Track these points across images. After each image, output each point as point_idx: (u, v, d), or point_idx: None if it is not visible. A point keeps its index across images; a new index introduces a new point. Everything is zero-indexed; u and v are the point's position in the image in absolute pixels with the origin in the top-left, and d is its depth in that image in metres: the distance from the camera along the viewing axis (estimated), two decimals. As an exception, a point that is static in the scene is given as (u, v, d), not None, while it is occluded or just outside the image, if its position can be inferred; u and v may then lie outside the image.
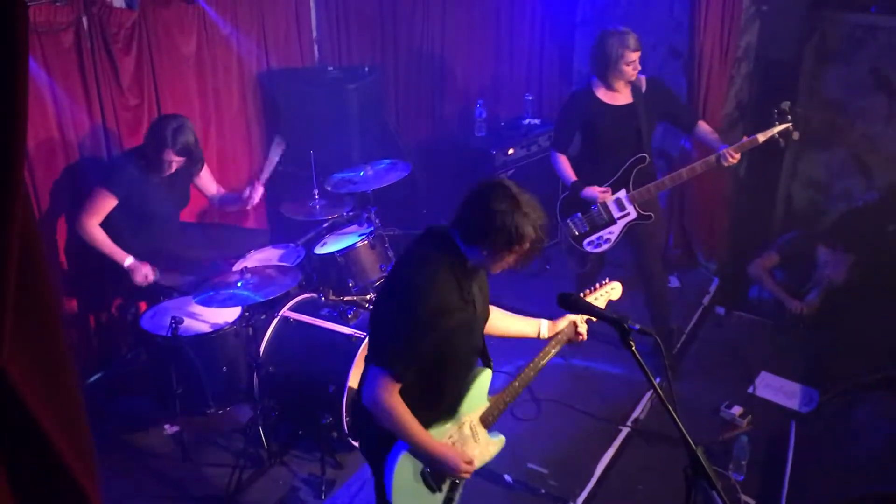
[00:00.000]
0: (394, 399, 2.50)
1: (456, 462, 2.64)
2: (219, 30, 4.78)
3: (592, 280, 4.97)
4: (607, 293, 3.14)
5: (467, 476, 2.72)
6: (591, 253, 4.71)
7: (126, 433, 4.30)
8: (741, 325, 5.35)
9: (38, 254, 1.21)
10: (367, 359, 2.63)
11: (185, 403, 4.03)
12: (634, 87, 4.46)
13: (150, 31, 4.39)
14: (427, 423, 2.62)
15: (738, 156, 4.27)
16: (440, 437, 2.70)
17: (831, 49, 5.44)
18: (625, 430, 4.39)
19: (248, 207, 4.56)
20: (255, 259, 4.38)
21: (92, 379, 4.60)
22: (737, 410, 4.41)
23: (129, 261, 4.12)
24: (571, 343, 3.04)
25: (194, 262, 4.39)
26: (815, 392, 4.57)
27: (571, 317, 3.00)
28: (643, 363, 2.25)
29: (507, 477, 4.01)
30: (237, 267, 4.16)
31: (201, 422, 4.29)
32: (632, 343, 2.28)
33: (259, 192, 4.46)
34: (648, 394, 4.59)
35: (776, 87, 4.84)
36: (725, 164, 4.29)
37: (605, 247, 4.63)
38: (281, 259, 4.45)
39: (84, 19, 4.10)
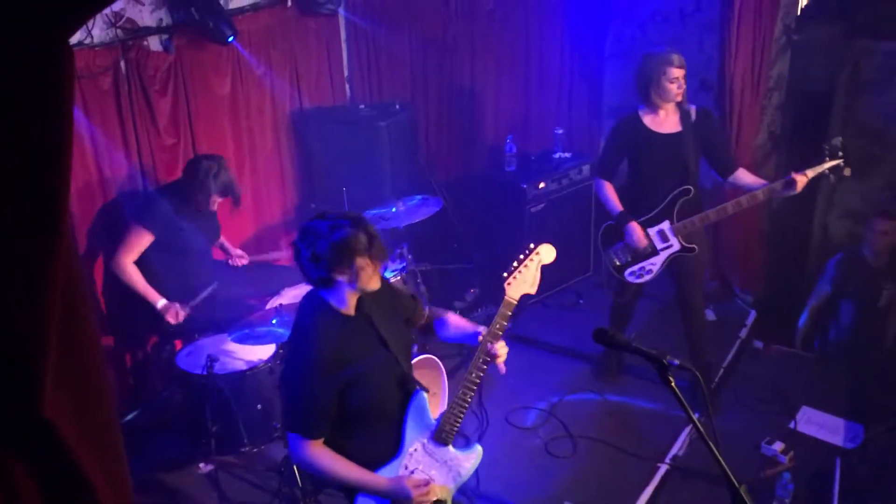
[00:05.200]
0: (314, 453, 2.65)
1: (403, 489, 2.72)
2: (252, 71, 4.86)
3: (629, 311, 4.94)
4: (538, 258, 2.85)
5: (428, 499, 2.77)
6: (632, 284, 4.65)
7: (161, 472, 4.30)
8: (780, 358, 5.24)
9: (82, 299, 1.22)
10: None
11: (220, 442, 4.02)
12: (684, 116, 4.33)
13: (186, 73, 4.48)
14: (376, 463, 2.74)
15: (806, 178, 4.09)
16: (393, 471, 2.77)
17: (866, 78, 5.38)
18: (663, 468, 4.31)
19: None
20: (289, 296, 4.39)
21: (127, 417, 4.62)
22: (778, 447, 4.30)
23: (161, 303, 4.16)
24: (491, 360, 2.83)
25: (229, 300, 4.42)
26: (860, 428, 4.45)
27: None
28: (682, 398, 2.20)
29: (543, 516, 3.95)
30: (271, 304, 4.18)
31: (236, 460, 4.29)
32: (671, 379, 2.24)
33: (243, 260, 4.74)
34: (687, 430, 4.50)
35: (809, 118, 4.79)
36: (798, 188, 4.09)
37: (647, 277, 4.54)
38: (314, 296, 4.45)
39: (122, 63, 4.20)
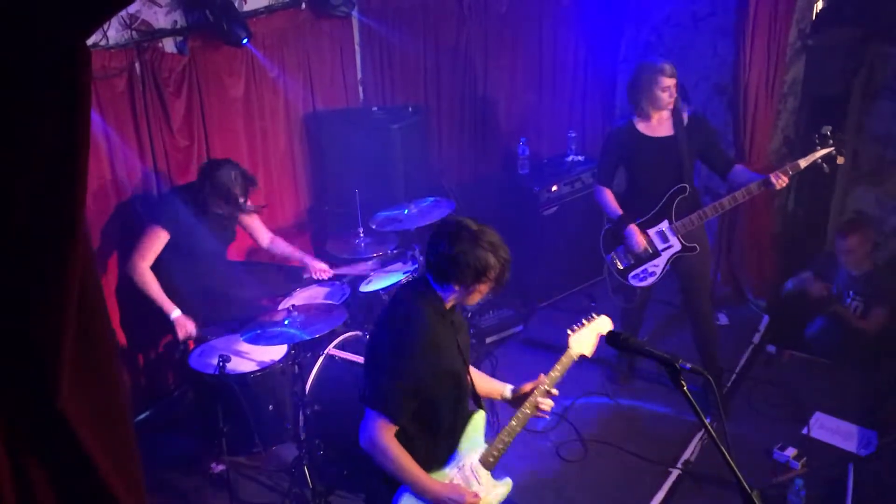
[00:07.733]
0: (390, 440, 2.63)
1: (459, 497, 2.70)
2: (266, 73, 4.88)
3: (639, 315, 4.94)
4: (597, 327, 3.05)
5: None
6: (637, 287, 4.65)
7: (172, 472, 4.32)
8: (793, 363, 5.21)
9: (98, 299, 1.23)
10: (363, 401, 2.70)
11: (232, 442, 4.03)
12: (676, 120, 4.41)
13: (200, 75, 4.50)
14: (427, 468, 2.71)
15: (786, 178, 4.14)
16: (441, 479, 2.76)
17: (880, 83, 5.35)
18: (675, 472, 4.29)
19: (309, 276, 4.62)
20: (301, 297, 4.41)
21: (139, 417, 4.64)
22: (791, 452, 4.28)
23: (175, 313, 4.17)
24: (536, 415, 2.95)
25: (241, 301, 4.43)
26: (874, 434, 4.42)
27: (536, 386, 2.93)
28: (695, 403, 2.20)
29: (554, 519, 3.94)
30: (284, 305, 4.19)
31: (247, 461, 4.30)
32: (683, 382, 2.24)
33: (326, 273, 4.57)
34: (699, 434, 4.48)
35: (824, 122, 4.75)
36: (776, 188, 4.16)
37: (651, 280, 4.57)
38: (327, 297, 4.47)
39: (137, 64, 4.22)
